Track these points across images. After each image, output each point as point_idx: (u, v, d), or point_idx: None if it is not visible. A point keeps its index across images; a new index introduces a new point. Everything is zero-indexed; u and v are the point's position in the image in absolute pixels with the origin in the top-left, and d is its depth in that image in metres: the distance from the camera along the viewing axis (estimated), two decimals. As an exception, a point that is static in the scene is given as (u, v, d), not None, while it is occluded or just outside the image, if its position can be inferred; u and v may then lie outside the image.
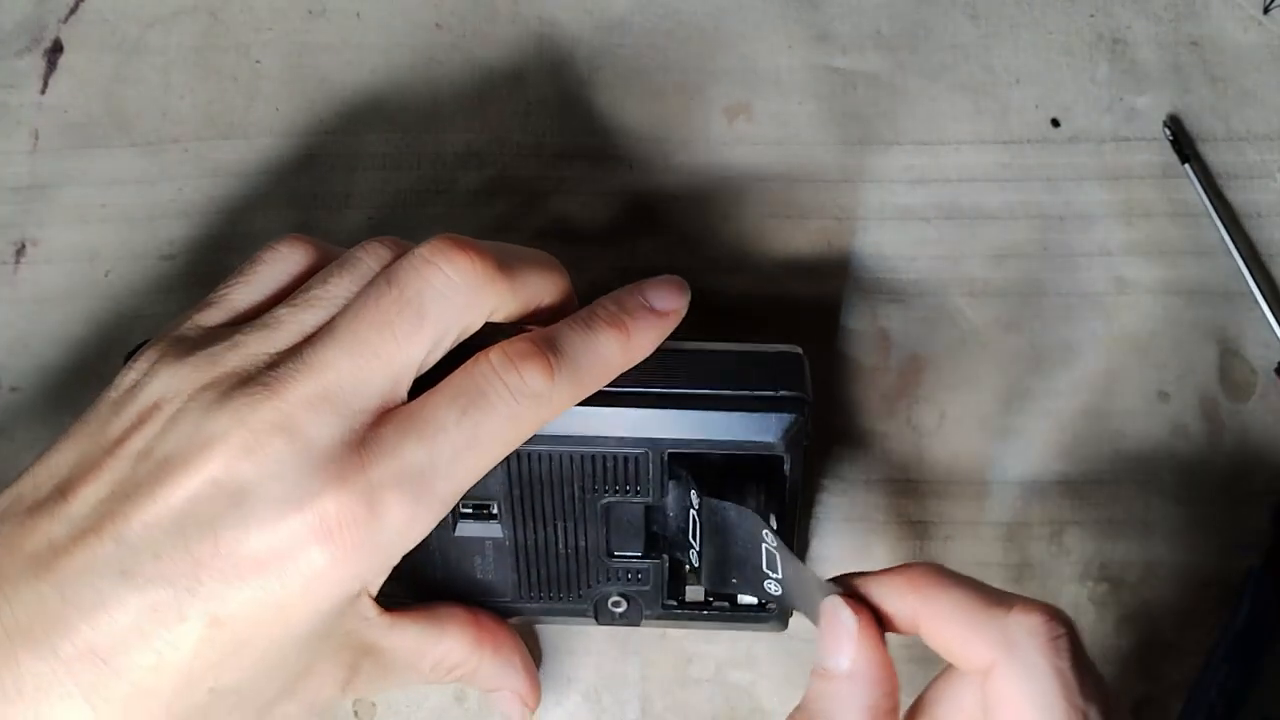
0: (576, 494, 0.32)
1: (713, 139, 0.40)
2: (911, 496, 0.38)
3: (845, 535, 0.38)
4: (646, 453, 0.31)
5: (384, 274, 0.29)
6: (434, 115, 0.41)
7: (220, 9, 0.41)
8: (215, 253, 0.40)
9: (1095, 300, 0.39)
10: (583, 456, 0.31)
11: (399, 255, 0.30)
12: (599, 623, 0.35)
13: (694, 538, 0.32)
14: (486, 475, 0.30)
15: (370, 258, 0.30)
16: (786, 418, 0.31)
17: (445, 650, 0.33)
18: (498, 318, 0.30)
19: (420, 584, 0.34)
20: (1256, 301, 0.39)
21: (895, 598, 0.28)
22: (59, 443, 0.29)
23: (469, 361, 0.29)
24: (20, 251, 0.40)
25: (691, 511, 0.32)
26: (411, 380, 0.29)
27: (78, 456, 0.29)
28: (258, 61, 0.41)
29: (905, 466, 0.39)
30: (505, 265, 0.30)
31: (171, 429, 0.28)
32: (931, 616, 0.27)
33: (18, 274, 0.40)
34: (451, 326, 0.29)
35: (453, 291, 0.29)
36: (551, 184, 0.40)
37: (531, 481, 0.32)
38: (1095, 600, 0.38)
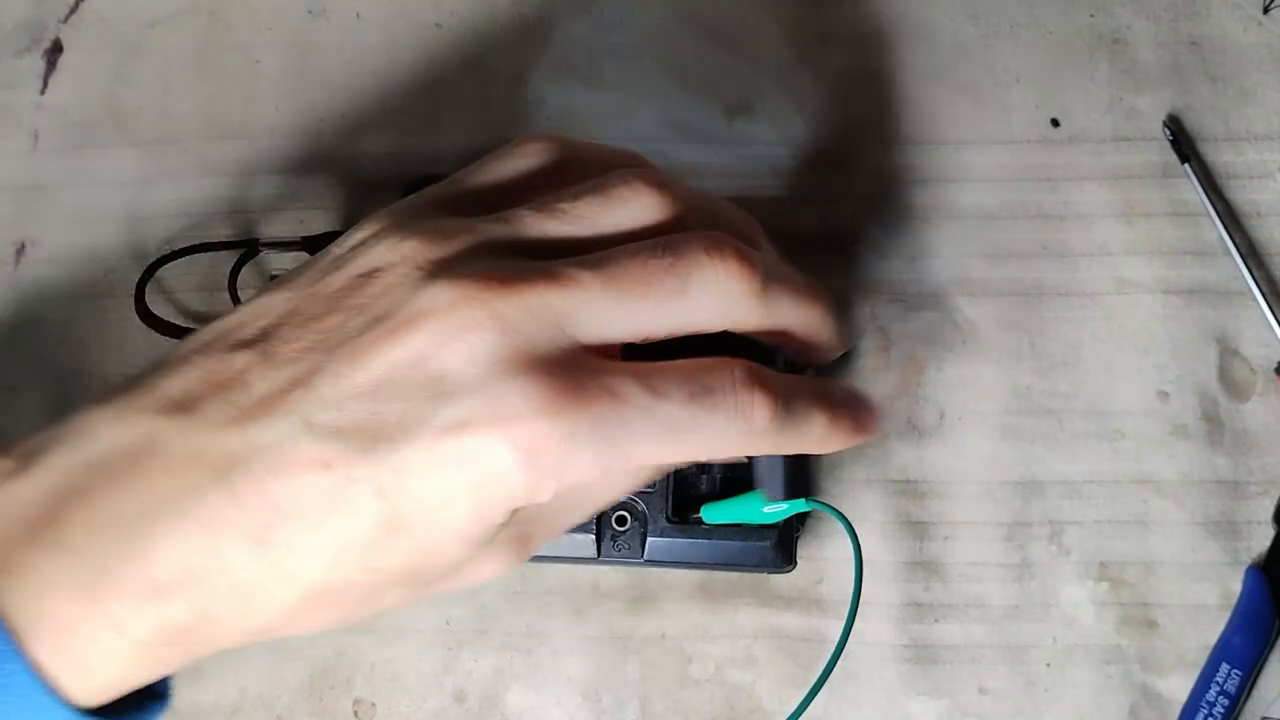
0: None
1: (713, 139, 0.40)
2: (911, 496, 0.38)
3: (845, 535, 0.38)
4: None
5: (666, 241, 0.29)
6: (434, 115, 0.41)
7: (220, 9, 0.41)
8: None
9: (1095, 300, 0.39)
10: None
11: (665, 208, 0.30)
12: (599, 555, 0.35)
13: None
14: None
15: (630, 192, 0.30)
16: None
17: None
18: (741, 329, 0.30)
19: None
20: (1256, 301, 0.39)
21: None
22: (273, 288, 0.29)
23: (713, 360, 0.29)
24: (20, 251, 0.40)
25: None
26: (633, 342, 0.29)
27: (289, 304, 0.28)
28: (258, 61, 0.41)
29: (905, 466, 0.39)
30: (770, 285, 0.30)
31: (389, 293, 0.27)
32: None
33: (18, 274, 0.40)
34: (699, 317, 0.29)
35: (717, 288, 0.29)
36: (551, 184, 0.40)
37: None
38: (1095, 600, 0.38)
